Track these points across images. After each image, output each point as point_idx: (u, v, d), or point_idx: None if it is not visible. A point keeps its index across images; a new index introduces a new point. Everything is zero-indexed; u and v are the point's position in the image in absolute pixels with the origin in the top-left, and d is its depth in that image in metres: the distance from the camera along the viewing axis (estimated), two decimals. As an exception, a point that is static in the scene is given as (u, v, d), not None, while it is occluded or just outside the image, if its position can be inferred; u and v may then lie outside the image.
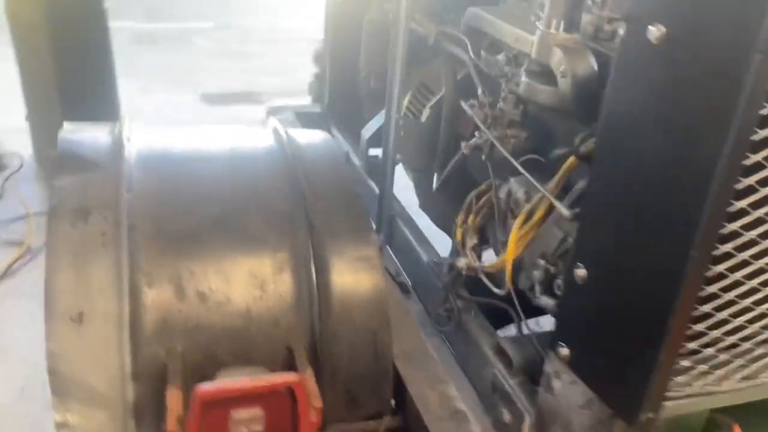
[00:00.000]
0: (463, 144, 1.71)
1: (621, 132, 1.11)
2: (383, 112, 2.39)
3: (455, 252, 1.78)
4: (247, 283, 1.42)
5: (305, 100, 5.07)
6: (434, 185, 2.00)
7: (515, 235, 1.46)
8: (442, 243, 2.26)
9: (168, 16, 7.25)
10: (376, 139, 2.43)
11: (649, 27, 0.98)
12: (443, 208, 2.11)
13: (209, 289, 1.40)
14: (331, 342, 1.44)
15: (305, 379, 1.31)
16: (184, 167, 1.58)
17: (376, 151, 2.52)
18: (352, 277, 1.49)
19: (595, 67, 1.40)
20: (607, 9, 1.45)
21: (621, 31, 1.44)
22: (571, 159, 1.42)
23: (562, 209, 1.33)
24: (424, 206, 2.28)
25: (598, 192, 1.19)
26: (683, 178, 0.97)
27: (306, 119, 2.89)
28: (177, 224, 1.44)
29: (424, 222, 2.44)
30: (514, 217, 1.58)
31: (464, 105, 1.70)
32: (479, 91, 1.75)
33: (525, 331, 1.66)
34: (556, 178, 1.45)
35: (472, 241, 1.67)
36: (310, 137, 1.79)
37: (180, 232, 1.43)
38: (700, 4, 0.94)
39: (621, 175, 1.12)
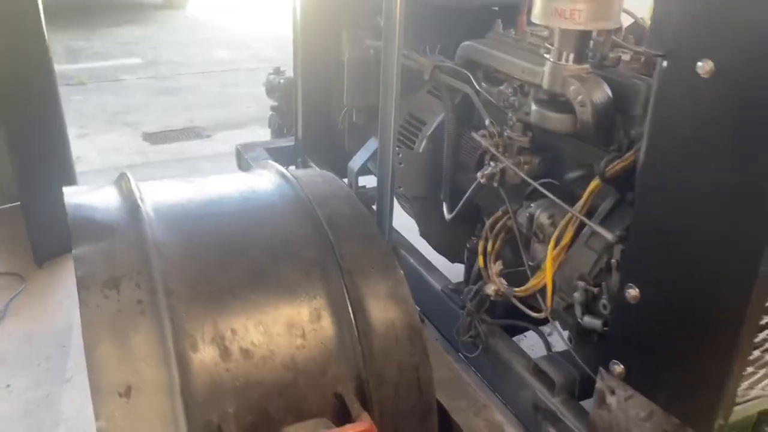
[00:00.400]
0: (479, 174, 1.75)
1: (667, 159, 1.17)
2: (368, 144, 2.42)
3: (476, 278, 1.82)
4: (288, 334, 1.40)
5: (253, 132, 4.99)
6: (446, 214, 2.03)
7: (550, 257, 1.51)
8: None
9: (90, 55, 6.99)
10: (363, 171, 2.45)
11: (698, 63, 1.05)
12: (451, 235, 2.14)
13: (252, 345, 1.37)
14: (377, 384, 1.44)
15: (372, 426, 1.31)
16: (206, 223, 1.55)
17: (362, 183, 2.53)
18: (389, 315, 1.49)
19: (610, 94, 1.48)
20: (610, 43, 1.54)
21: (621, 57, 1.56)
22: (596, 182, 1.48)
23: (605, 233, 1.39)
24: (426, 234, 2.30)
25: (646, 216, 1.25)
26: (748, 202, 1.04)
27: (278, 154, 2.88)
28: (212, 283, 1.41)
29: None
30: (539, 240, 1.63)
31: (475, 135, 1.75)
32: (487, 121, 1.80)
33: (554, 348, 1.71)
34: (582, 200, 1.50)
35: (496, 267, 1.71)
36: (315, 177, 1.79)
37: (216, 291, 1.40)
38: (746, 39, 1.01)
39: (671, 200, 1.17)
